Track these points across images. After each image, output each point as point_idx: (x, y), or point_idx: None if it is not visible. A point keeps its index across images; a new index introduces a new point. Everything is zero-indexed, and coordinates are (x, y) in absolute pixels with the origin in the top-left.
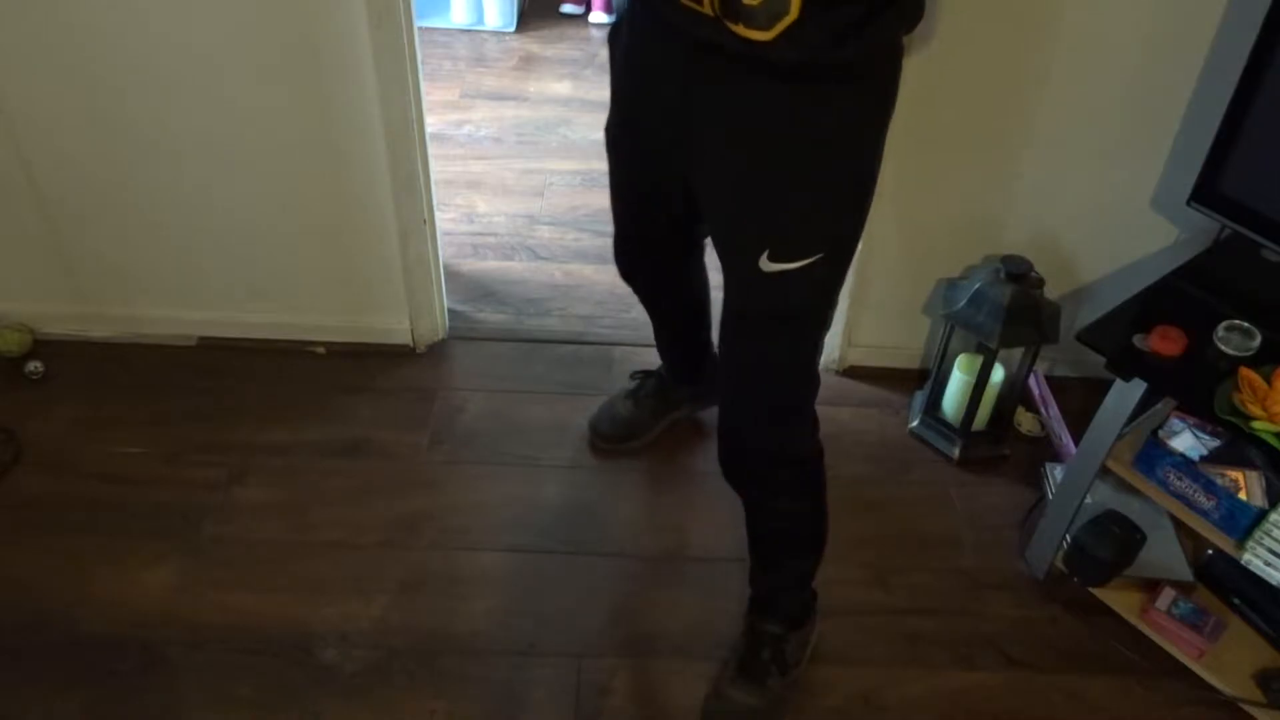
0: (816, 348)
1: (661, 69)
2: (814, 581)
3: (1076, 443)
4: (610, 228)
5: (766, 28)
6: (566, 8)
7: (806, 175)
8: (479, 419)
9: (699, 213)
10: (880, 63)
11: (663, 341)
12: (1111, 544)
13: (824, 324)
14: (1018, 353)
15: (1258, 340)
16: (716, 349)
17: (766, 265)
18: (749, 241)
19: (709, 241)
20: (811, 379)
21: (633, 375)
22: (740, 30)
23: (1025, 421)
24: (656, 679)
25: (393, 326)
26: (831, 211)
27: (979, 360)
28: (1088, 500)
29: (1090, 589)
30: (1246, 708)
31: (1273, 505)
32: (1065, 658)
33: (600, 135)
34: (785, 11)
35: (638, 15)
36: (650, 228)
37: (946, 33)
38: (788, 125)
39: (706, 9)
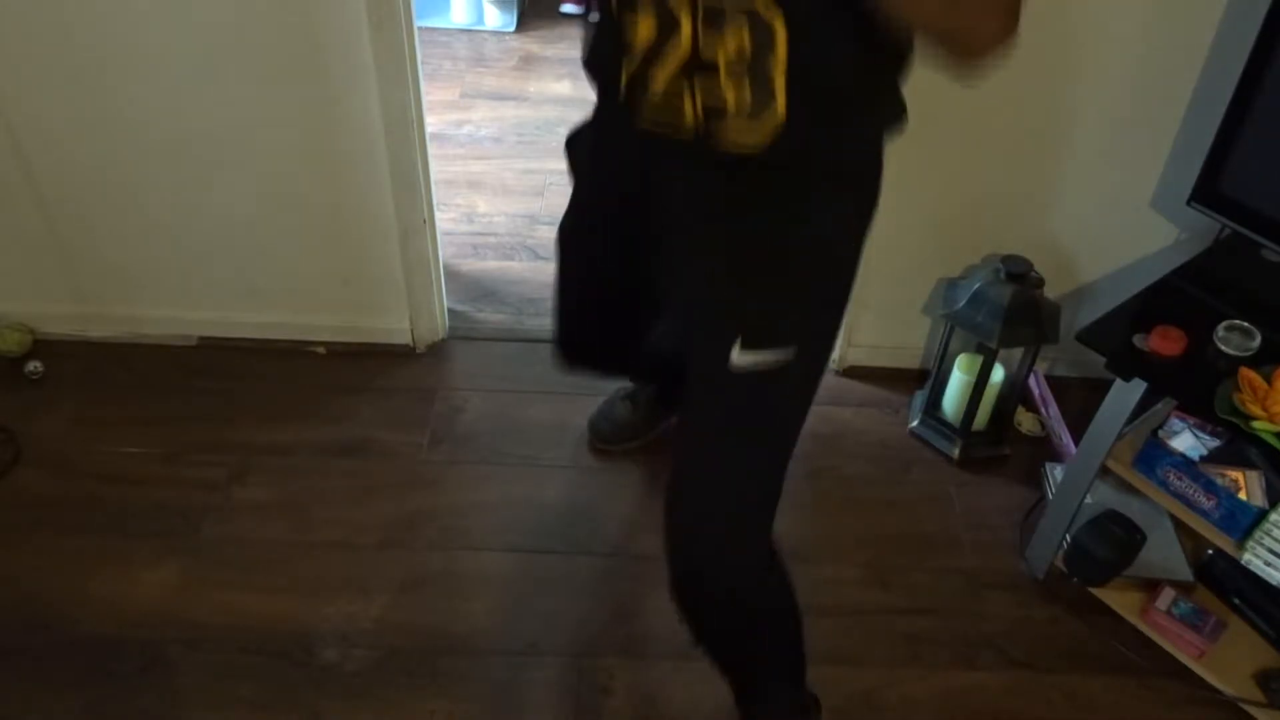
0: (778, 469)
1: (632, 167)
2: (804, 685)
3: (1076, 443)
4: None
5: (755, 133)
6: (566, 8)
7: (786, 267)
8: (479, 419)
9: (649, 317)
10: (864, 162)
11: (637, 380)
12: (1111, 544)
13: (789, 440)
14: (1018, 353)
15: (1258, 340)
16: None
17: (738, 357)
18: (721, 330)
19: None
20: (769, 505)
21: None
22: (727, 138)
23: (1025, 421)
24: (656, 679)
25: (393, 326)
26: (809, 305)
27: (979, 360)
28: (1088, 500)
29: (1090, 589)
30: (1246, 708)
31: (1273, 505)
32: (1065, 658)
33: None
34: (771, 112)
35: (605, 124)
36: (601, 324)
37: None
38: (771, 219)
39: (687, 124)
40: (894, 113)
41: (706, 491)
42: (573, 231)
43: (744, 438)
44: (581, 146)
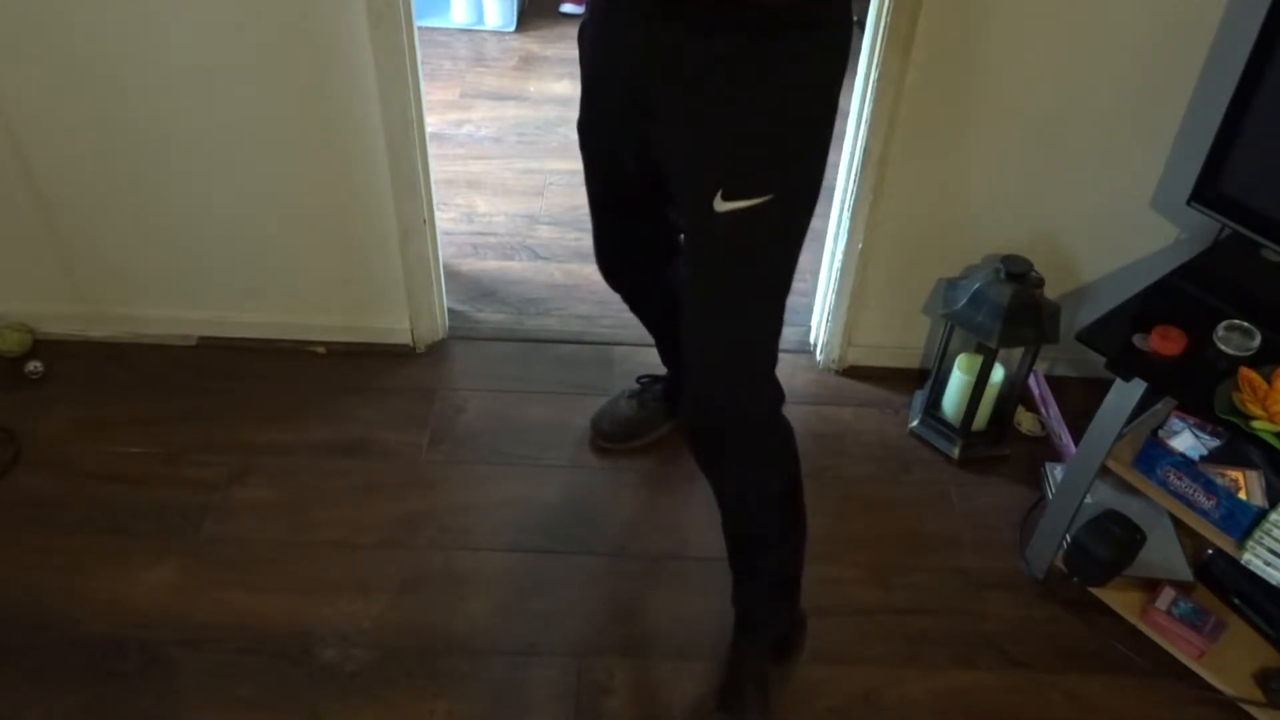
0: (771, 307)
1: (622, 41)
2: (797, 600)
3: (1076, 443)
4: None
5: None
6: (566, 7)
7: (759, 118)
8: (479, 419)
9: (670, 203)
10: (831, 16)
11: (662, 349)
12: (1111, 544)
13: (778, 285)
14: (1018, 352)
15: (1258, 340)
16: None
17: (720, 205)
18: (704, 181)
19: None
20: (766, 342)
21: (639, 379)
22: None
23: (1025, 421)
24: (656, 679)
25: (393, 326)
26: (783, 154)
27: (979, 360)
28: (1088, 500)
29: (1090, 589)
30: (1246, 708)
31: (1273, 505)
32: (1065, 658)
33: None
34: None
35: (603, 6)
36: (625, 224)
37: (946, 33)
38: (742, 72)
39: None
40: None
41: (711, 323)
42: (587, 125)
43: (736, 273)
44: (586, 35)
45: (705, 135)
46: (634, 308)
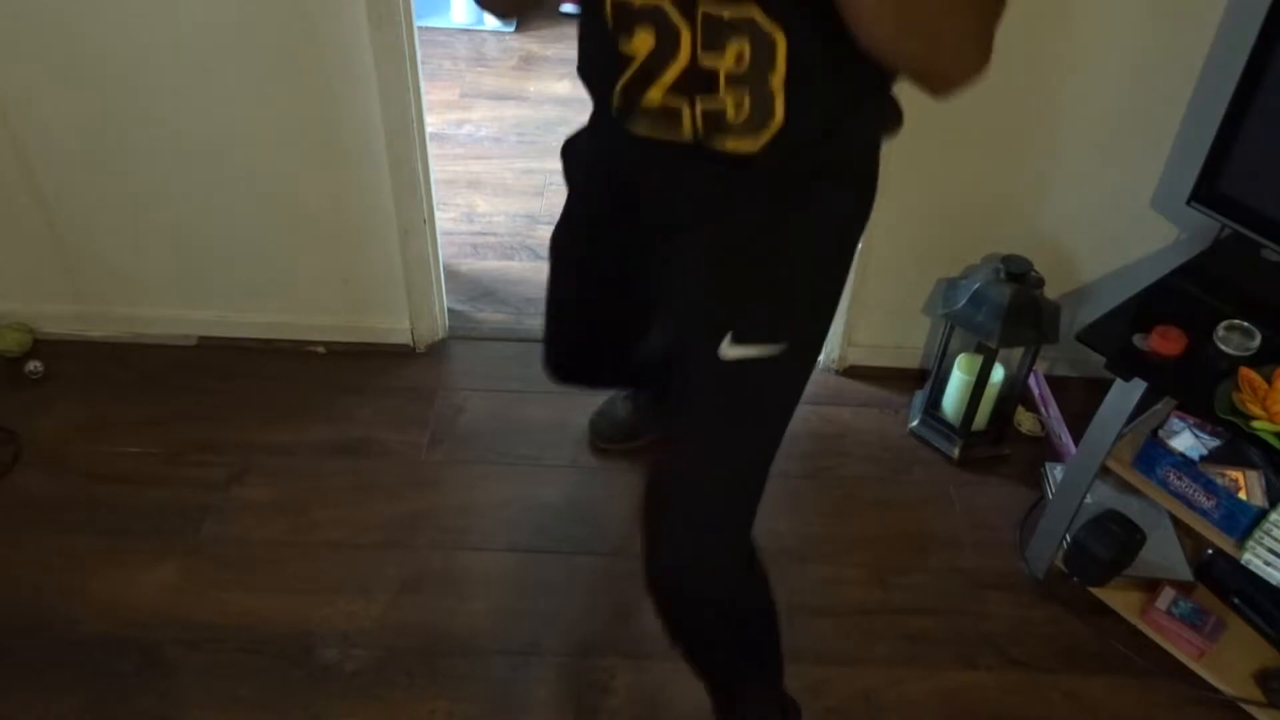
0: (760, 472)
1: (626, 173)
2: (784, 700)
3: (1076, 442)
4: None
5: (754, 139)
6: (566, 7)
7: (779, 265)
8: (479, 419)
9: (638, 332)
10: (860, 163)
11: (634, 395)
12: (1111, 544)
13: (773, 441)
14: (1018, 352)
15: (1258, 340)
16: None
17: (728, 350)
18: (713, 324)
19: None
20: (751, 505)
21: None
22: (726, 147)
23: (1025, 421)
24: (656, 679)
25: (393, 326)
26: (801, 302)
27: (979, 360)
28: (1088, 500)
29: (1090, 589)
30: (1246, 708)
31: (1273, 505)
32: (1065, 658)
33: None
34: (771, 120)
35: (600, 131)
36: (591, 335)
37: None
38: (765, 218)
39: (685, 134)
40: (889, 116)
41: (690, 485)
42: (565, 240)
43: (731, 430)
44: (576, 154)
45: (724, 268)
46: (585, 390)
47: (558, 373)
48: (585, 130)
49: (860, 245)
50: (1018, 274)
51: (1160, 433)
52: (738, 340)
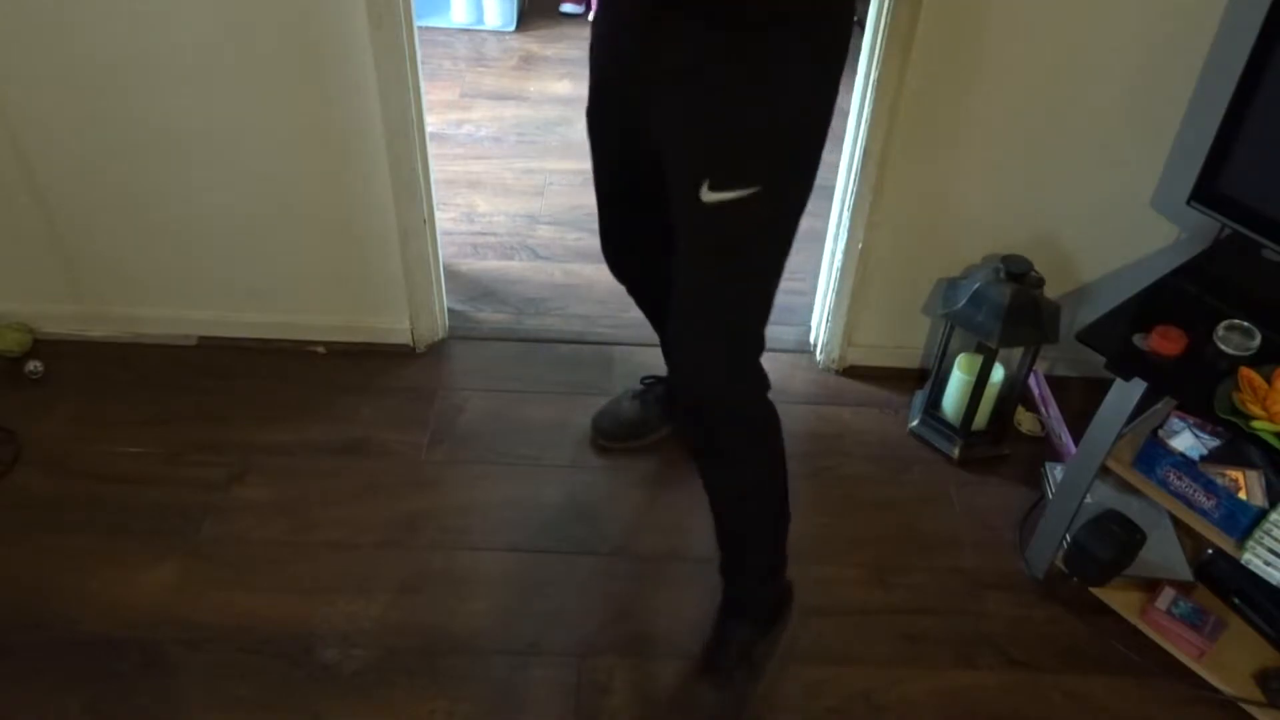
0: (756, 298)
1: (624, 30)
2: (783, 576)
3: (1076, 442)
4: None
5: None
6: (566, 7)
7: (751, 110)
8: (479, 419)
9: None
10: (831, 12)
11: (665, 345)
12: (1111, 544)
13: (764, 276)
14: (1018, 352)
15: (1258, 340)
16: None
17: (707, 195)
18: (692, 172)
19: None
20: (751, 329)
21: (644, 379)
22: None
23: (1025, 421)
24: (656, 679)
25: (393, 326)
26: (773, 147)
27: (979, 360)
28: (1088, 500)
29: (1090, 589)
30: (1246, 707)
31: (1273, 505)
32: (1065, 658)
33: None
34: None
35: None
36: (630, 214)
37: (946, 32)
38: (737, 63)
39: None
40: None
41: (693, 309)
42: (592, 115)
43: (720, 263)
44: (595, 26)
45: (695, 125)
46: (638, 300)
47: (615, 268)
48: (599, 6)
49: (860, 245)
50: (1018, 274)
51: (1160, 433)
52: (715, 188)
